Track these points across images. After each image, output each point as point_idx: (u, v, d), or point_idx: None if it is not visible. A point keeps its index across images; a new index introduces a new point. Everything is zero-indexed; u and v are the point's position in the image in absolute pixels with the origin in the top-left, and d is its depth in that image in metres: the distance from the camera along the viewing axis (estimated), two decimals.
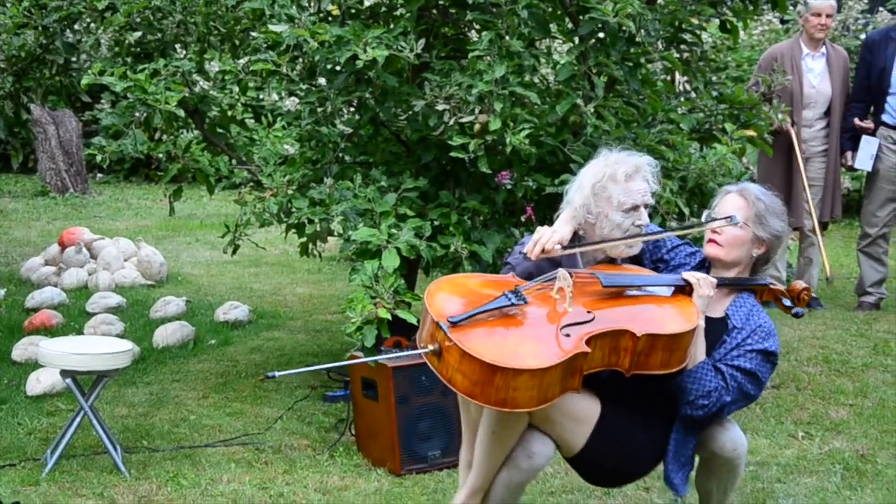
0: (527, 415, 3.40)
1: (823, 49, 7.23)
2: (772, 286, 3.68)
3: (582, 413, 3.48)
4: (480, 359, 3.13)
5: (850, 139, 7.25)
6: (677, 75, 6.22)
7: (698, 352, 3.47)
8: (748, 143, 5.73)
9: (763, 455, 4.83)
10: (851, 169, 7.54)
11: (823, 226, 7.43)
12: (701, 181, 5.24)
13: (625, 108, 5.14)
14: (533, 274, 3.59)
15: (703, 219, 3.72)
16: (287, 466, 4.65)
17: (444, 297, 3.39)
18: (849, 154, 7.27)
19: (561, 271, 3.47)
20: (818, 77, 7.21)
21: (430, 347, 3.25)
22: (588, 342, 3.25)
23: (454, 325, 3.22)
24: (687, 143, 5.46)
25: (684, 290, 3.55)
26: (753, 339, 3.52)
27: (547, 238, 3.57)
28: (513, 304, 3.36)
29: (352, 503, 4.26)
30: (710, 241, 3.64)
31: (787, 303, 3.66)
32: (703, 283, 3.53)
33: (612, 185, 3.62)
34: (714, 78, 5.79)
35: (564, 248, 3.58)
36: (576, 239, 3.69)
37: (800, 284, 3.69)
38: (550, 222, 4.00)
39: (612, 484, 3.87)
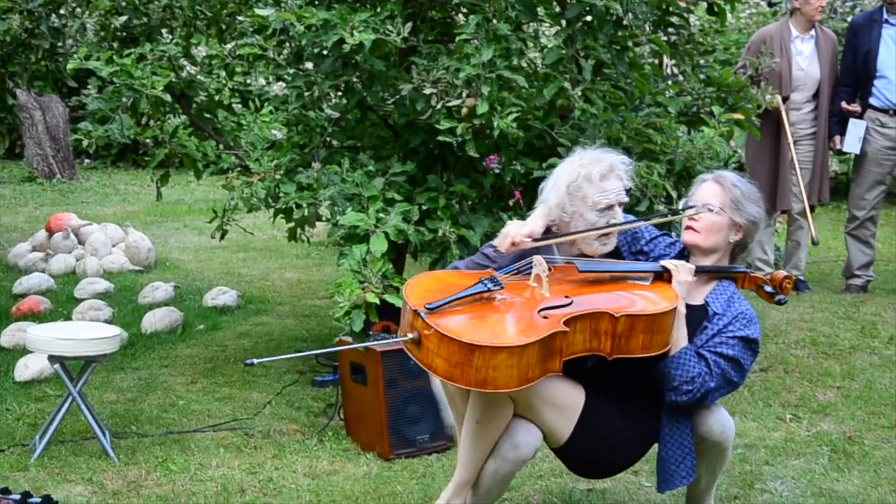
0: (511, 405, 3.41)
1: (812, 32, 7.23)
2: (752, 274, 3.69)
3: (565, 401, 3.48)
4: (458, 339, 3.16)
5: (838, 123, 7.26)
6: (665, 58, 6.21)
7: (680, 338, 3.48)
8: (736, 126, 5.73)
9: (751, 437, 4.85)
10: (840, 153, 7.55)
11: (810, 208, 7.44)
12: (688, 164, 5.25)
13: (612, 92, 5.13)
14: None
15: (680, 207, 3.76)
16: (276, 451, 4.65)
17: (422, 288, 3.42)
18: (837, 138, 7.27)
19: (536, 258, 3.50)
20: (807, 60, 7.21)
21: (410, 336, 3.28)
22: (566, 323, 3.27)
23: (431, 311, 3.26)
24: (674, 126, 5.47)
25: (663, 277, 3.58)
26: (735, 325, 3.54)
27: (516, 231, 3.59)
28: (489, 290, 3.39)
29: (341, 488, 4.27)
30: (688, 227, 3.66)
31: (769, 290, 3.67)
32: (681, 269, 3.56)
33: (588, 184, 3.62)
34: (702, 61, 5.79)
35: (535, 240, 3.60)
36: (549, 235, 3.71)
37: (781, 273, 3.71)
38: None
39: (598, 475, 3.86)
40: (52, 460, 4.45)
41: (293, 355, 3.95)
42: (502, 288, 3.42)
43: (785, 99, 7.01)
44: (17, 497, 3.91)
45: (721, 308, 3.58)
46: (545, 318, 3.29)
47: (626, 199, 3.72)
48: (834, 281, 7.65)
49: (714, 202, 3.63)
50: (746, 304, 3.62)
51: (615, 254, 3.74)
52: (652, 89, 5.43)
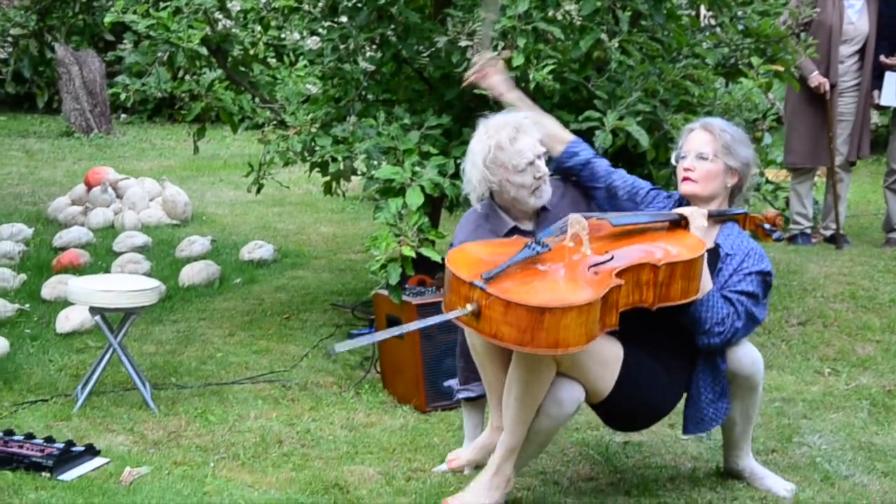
0: (554, 365, 3.42)
1: None
2: (751, 214, 3.78)
3: (608, 355, 3.50)
4: (527, 304, 3.13)
5: (877, 77, 7.14)
6: (702, 9, 6.13)
7: (706, 281, 3.54)
8: (775, 77, 5.65)
9: (789, 391, 4.84)
10: (879, 107, 7.44)
11: (851, 164, 7.35)
12: (726, 116, 5.19)
13: (649, 43, 5.07)
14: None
15: (672, 159, 3.82)
16: (313, 403, 4.69)
17: (466, 261, 3.38)
18: (875, 92, 7.16)
19: (574, 216, 3.51)
20: (857, 13, 7.07)
21: (469, 308, 3.21)
22: (618, 276, 3.29)
23: (489, 280, 3.21)
24: (712, 78, 5.41)
25: (679, 224, 3.64)
26: (749, 262, 3.62)
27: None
28: (538, 253, 3.38)
29: (378, 439, 4.31)
30: (685, 179, 3.73)
31: (767, 227, 3.77)
32: (696, 214, 3.63)
33: (501, 153, 3.73)
34: (740, 12, 5.70)
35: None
36: (498, 210, 3.86)
37: (773, 211, 3.83)
38: None
39: (636, 426, 3.88)
40: (93, 410, 4.52)
41: (373, 339, 3.88)
42: (550, 250, 3.41)
43: (833, 86, 6.92)
44: (61, 446, 3.98)
45: (732, 248, 3.66)
46: (596, 273, 3.30)
47: (543, 150, 3.79)
48: (873, 235, 7.57)
49: (707, 150, 3.69)
50: (752, 240, 3.71)
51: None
52: (689, 40, 5.36)
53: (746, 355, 3.68)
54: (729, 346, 3.64)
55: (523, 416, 3.46)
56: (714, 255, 3.65)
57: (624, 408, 3.59)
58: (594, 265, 3.35)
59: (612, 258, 3.38)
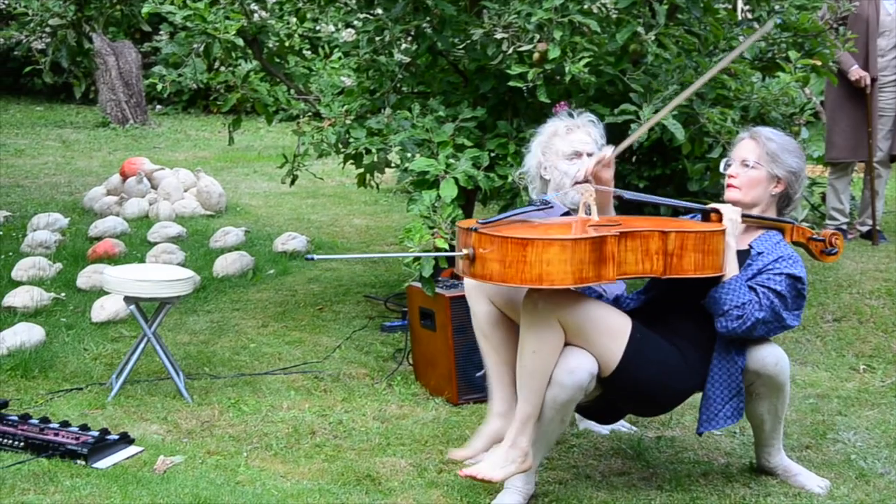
0: (561, 330, 3.45)
1: None
2: (798, 225, 3.78)
3: (613, 324, 3.53)
4: (511, 236, 3.29)
5: None
6: (739, 3, 6.09)
7: (732, 267, 3.56)
8: (812, 72, 5.60)
9: (824, 388, 4.80)
10: None
11: (891, 159, 7.27)
12: (763, 110, 5.16)
13: (686, 37, 5.04)
14: None
15: (721, 167, 3.87)
16: (346, 395, 4.71)
17: (472, 220, 3.56)
18: None
19: (584, 186, 3.64)
20: (894, 4, 6.99)
21: (465, 251, 3.38)
22: (622, 237, 3.37)
23: (484, 224, 3.40)
24: (749, 72, 5.37)
25: (709, 217, 3.68)
26: (781, 264, 3.61)
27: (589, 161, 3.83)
28: (539, 209, 3.61)
29: (410, 431, 4.31)
30: (729, 185, 3.78)
31: (819, 239, 3.77)
32: (728, 209, 3.65)
33: (556, 139, 4.05)
34: (777, 6, 5.66)
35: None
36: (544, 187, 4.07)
37: (829, 230, 3.85)
38: None
39: (647, 406, 3.84)
40: (128, 399, 4.55)
41: (355, 256, 4.08)
42: (552, 207, 3.65)
43: (874, 80, 6.84)
44: (96, 434, 4.01)
45: (764, 248, 3.66)
46: (596, 230, 3.39)
47: (595, 151, 3.96)
48: None
49: (750, 157, 3.73)
50: (791, 248, 3.69)
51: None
52: (726, 34, 5.33)
53: (771, 354, 3.65)
54: (752, 343, 3.62)
55: (535, 385, 3.49)
56: (745, 254, 3.66)
57: (630, 383, 3.57)
58: (597, 226, 3.43)
59: (619, 225, 3.45)
